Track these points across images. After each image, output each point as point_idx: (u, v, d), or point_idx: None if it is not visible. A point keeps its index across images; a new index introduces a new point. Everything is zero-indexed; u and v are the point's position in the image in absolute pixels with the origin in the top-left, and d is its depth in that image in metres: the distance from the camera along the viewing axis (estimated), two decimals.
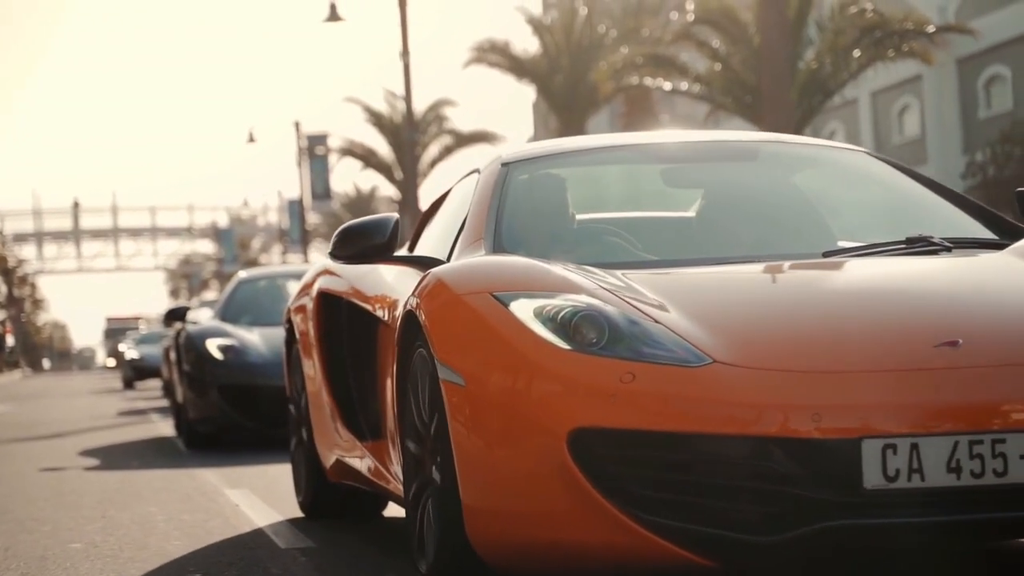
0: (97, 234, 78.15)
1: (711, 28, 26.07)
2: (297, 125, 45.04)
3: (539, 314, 3.78)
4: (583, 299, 3.82)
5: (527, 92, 68.81)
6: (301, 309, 6.29)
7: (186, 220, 79.99)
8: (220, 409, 11.29)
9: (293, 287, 12.93)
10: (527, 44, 48.68)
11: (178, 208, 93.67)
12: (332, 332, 5.89)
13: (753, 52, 24.96)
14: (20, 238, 78.65)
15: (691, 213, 5.23)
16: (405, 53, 29.52)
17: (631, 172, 5.63)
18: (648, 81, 27.91)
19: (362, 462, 5.44)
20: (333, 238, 4.95)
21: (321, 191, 45.93)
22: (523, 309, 3.80)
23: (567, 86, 34.03)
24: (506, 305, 3.84)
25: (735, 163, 5.28)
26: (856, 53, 25.12)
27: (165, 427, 15.17)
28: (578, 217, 5.09)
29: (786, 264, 4.43)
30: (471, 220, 4.85)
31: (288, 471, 8.77)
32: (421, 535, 4.25)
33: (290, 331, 6.55)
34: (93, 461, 10.63)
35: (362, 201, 55.90)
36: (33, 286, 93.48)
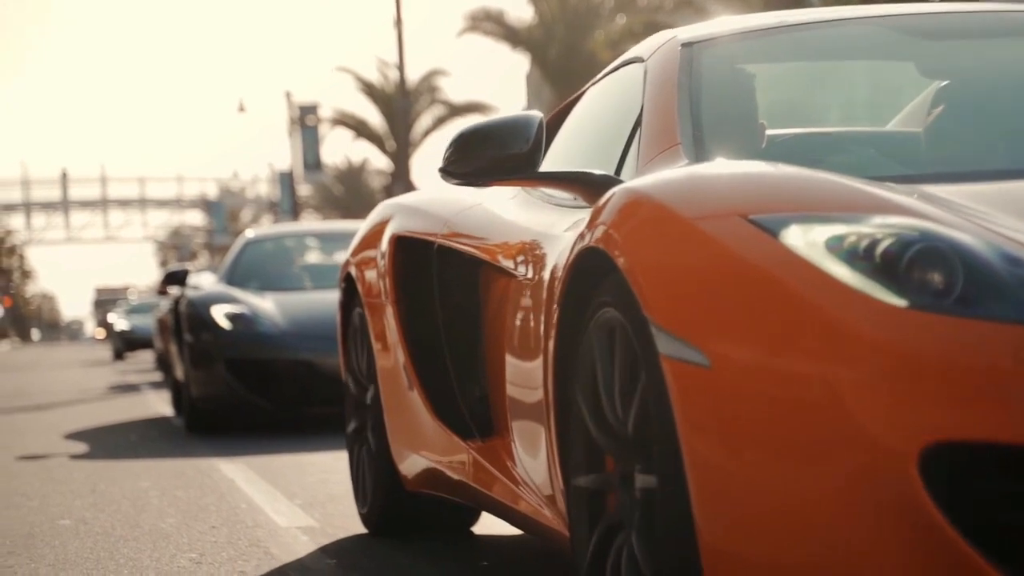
0: (86, 204, 77.83)
1: None
2: (288, 95, 44.77)
3: (837, 247, 2.30)
4: (910, 222, 2.33)
5: (521, 62, 68.39)
6: (367, 262, 4.69)
7: (175, 191, 79.67)
8: (228, 386, 9.97)
9: (307, 248, 11.97)
10: (522, 13, 48.33)
11: (167, 179, 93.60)
12: (417, 290, 4.36)
13: None
14: (8, 208, 78.30)
15: (917, 128, 3.70)
16: (398, 22, 29.25)
17: (861, 65, 4.13)
18: None
19: (464, 468, 4.02)
20: (447, 149, 3.59)
21: (312, 162, 45.69)
22: (804, 239, 2.34)
23: (562, 56, 33.71)
24: (774, 234, 2.37)
25: (1017, 39, 3.74)
26: None
27: (157, 401, 14.90)
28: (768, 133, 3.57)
29: None
30: (653, 119, 3.42)
31: (288, 446, 8.55)
32: None
33: (348, 291, 4.98)
34: (82, 439, 10.36)
35: (353, 172, 55.57)
36: (22, 257, 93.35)
